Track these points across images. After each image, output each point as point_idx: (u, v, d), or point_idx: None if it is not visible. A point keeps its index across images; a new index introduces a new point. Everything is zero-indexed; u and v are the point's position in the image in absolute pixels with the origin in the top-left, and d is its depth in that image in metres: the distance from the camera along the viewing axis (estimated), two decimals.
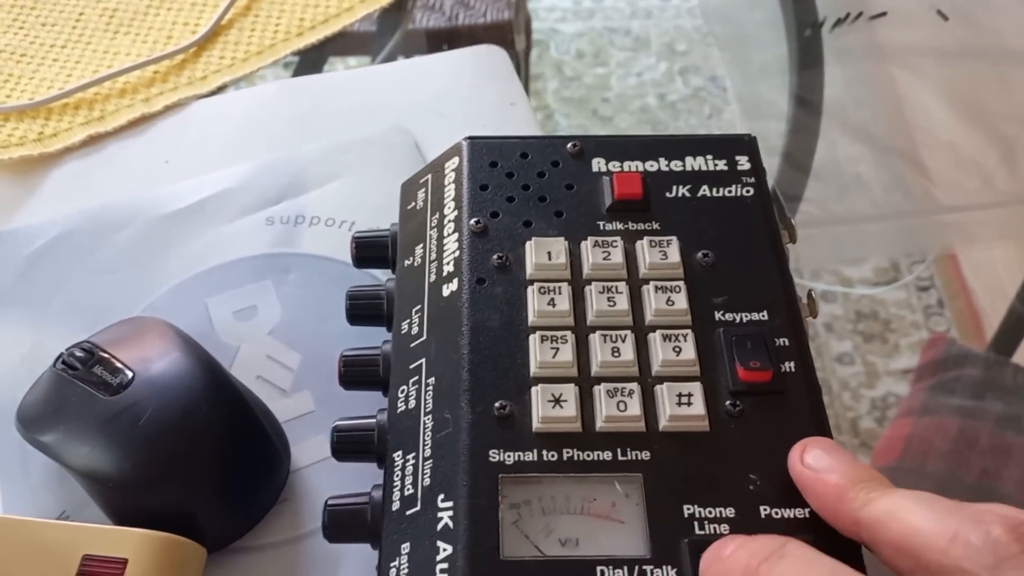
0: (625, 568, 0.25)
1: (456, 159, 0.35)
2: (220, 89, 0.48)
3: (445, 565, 0.25)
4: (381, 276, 0.39)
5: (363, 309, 0.34)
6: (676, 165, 0.34)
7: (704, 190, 0.33)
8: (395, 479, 0.29)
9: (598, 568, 0.25)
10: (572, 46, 1.62)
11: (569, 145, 0.35)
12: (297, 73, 0.58)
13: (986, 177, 0.52)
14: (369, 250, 0.36)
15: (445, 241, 0.33)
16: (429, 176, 0.36)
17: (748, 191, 0.33)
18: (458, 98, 0.47)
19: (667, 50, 1.58)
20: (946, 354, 0.70)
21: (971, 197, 0.51)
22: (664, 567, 0.25)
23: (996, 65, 0.53)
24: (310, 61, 0.53)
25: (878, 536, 0.23)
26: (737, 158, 0.34)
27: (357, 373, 0.33)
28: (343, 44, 0.53)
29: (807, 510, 0.26)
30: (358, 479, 0.31)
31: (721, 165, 0.34)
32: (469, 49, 0.49)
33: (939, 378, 0.69)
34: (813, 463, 0.25)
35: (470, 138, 0.35)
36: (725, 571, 0.24)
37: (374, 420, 0.31)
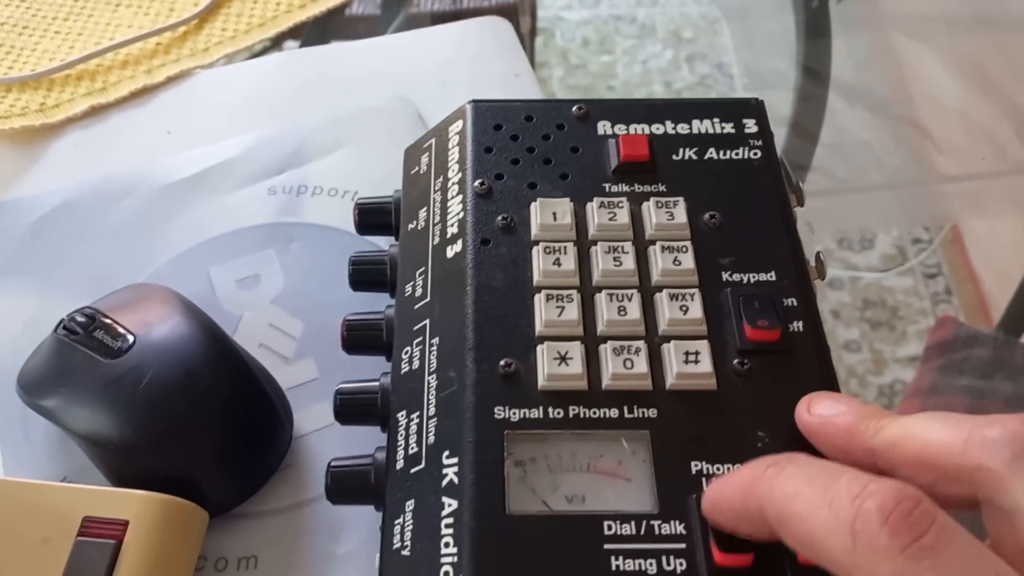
0: (633, 523, 0.25)
1: (460, 122, 0.35)
2: (222, 60, 0.48)
3: (450, 520, 0.25)
4: (383, 245, 0.39)
5: (366, 274, 0.34)
6: (683, 128, 0.34)
7: (711, 152, 0.33)
8: (399, 438, 0.28)
9: (605, 523, 0.25)
10: (577, 34, 1.62)
11: (574, 108, 0.34)
12: (304, 41, 0.58)
13: (995, 146, 0.51)
14: (372, 216, 0.36)
15: (449, 203, 0.32)
16: (433, 140, 0.35)
17: (755, 153, 0.33)
18: (462, 69, 0.47)
19: (673, 37, 1.57)
20: (955, 335, 0.70)
21: (980, 166, 0.50)
22: (672, 522, 0.25)
23: (1002, 34, 0.52)
24: (312, 44, 0.52)
25: (895, 459, 0.23)
26: (744, 121, 0.34)
27: (360, 337, 0.32)
28: (346, 27, 0.53)
29: None
30: (361, 445, 0.31)
31: (728, 128, 0.34)
32: (473, 20, 0.49)
33: (948, 359, 0.69)
34: (821, 411, 0.25)
35: (474, 101, 0.35)
36: (734, 481, 0.23)
37: (377, 383, 0.31)
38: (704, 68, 1.47)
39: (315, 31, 0.51)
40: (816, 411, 0.25)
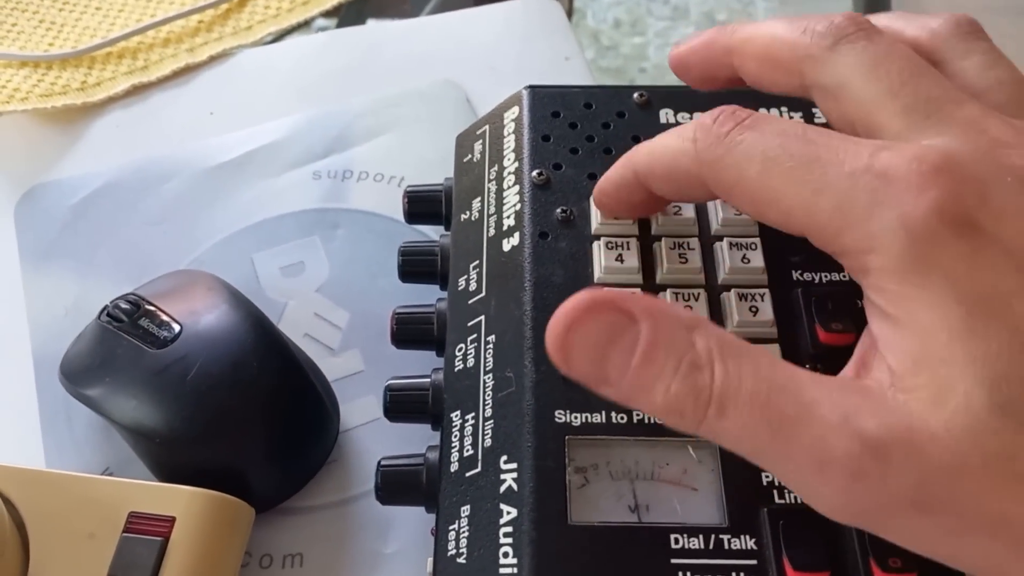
0: (701, 537, 0.24)
1: (516, 109, 0.33)
2: (266, 39, 0.46)
3: (509, 529, 0.24)
4: (431, 233, 0.38)
5: (416, 266, 0.33)
6: None
7: None
8: (453, 440, 0.27)
9: (671, 536, 0.24)
10: (609, 15, 1.59)
11: (636, 95, 0.33)
12: (343, 17, 0.56)
13: None
14: (422, 205, 0.35)
15: (505, 194, 0.31)
16: (487, 127, 0.34)
17: None
18: (510, 52, 0.45)
19: (706, 19, 1.54)
20: None
21: None
22: (742, 536, 0.24)
23: None
24: (349, 22, 0.51)
25: (746, 53, 0.25)
26: (814, 111, 0.32)
27: (411, 331, 0.31)
28: (383, 5, 0.51)
29: None
30: (409, 441, 0.30)
31: (797, 117, 0.32)
32: (520, 0, 0.47)
33: None
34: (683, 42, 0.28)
35: (531, 87, 0.34)
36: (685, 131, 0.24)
37: (429, 379, 0.30)
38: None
39: (352, 10, 0.49)
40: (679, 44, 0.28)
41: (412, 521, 0.31)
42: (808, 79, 0.24)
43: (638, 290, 0.28)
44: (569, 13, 1.15)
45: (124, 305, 0.32)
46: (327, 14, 0.49)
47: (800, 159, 0.21)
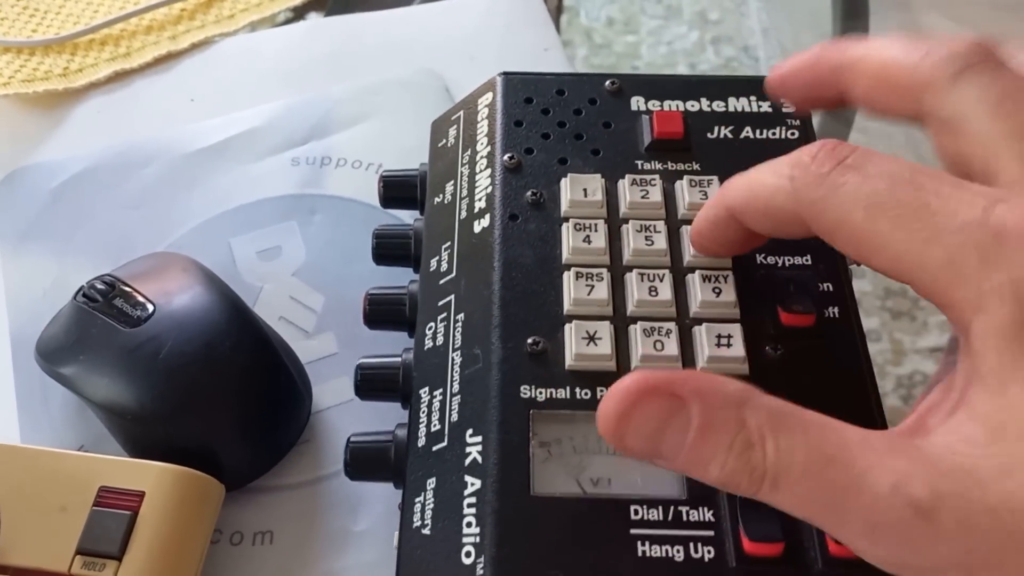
0: (660, 508, 0.24)
1: (490, 94, 0.34)
2: (247, 27, 0.47)
3: (473, 499, 0.24)
4: (407, 218, 0.38)
5: (390, 248, 0.34)
6: (718, 105, 0.33)
7: (747, 131, 0.32)
8: (421, 415, 0.28)
9: (631, 507, 0.24)
10: (603, 13, 1.60)
11: (607, 82, 0.33)
12: (332, 6, 0.57)
13: None
14: (397, 189, 0.35)
15: (477, 177, 0.32)
16: (461, 112, 0.35)
17: (793, 134, 0.32)
18: (490, 42, 0.46)
19: (699, 19, 1.55)
20: None
21: None
22: (700, 508, 0.24)
23: None
24: (337, 11, 0.51)
25: (858, 72, 0.24)
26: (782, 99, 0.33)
27: (383, 312, 0.32)
28: None
29: None
30: (381, 421, 0.31)
31: (765, 107, 0.33)
32: None
33: None
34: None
35: (505, 73, 0.34)
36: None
37: (399, 358, 0.30)
38: (730, 50, 1.45)
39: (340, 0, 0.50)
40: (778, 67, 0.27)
41: (382, 499, 0.31)
42: (925, 108, 0.23)
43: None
44: (558, 10, 1.16)
45: (99, 285, 0.33)
46: (315, 6, 0.49)
47: (909, 206, 0.20)
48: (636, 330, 0.27)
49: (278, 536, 0.31)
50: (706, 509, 0.24)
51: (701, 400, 0.20)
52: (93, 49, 0.45)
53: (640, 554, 0.23)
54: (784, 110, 0.32)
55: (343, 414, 0.34)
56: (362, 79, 0.44)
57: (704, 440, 0.20)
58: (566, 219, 0.30)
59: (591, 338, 0.27)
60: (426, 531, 0.25)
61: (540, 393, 0.26)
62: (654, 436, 0.20)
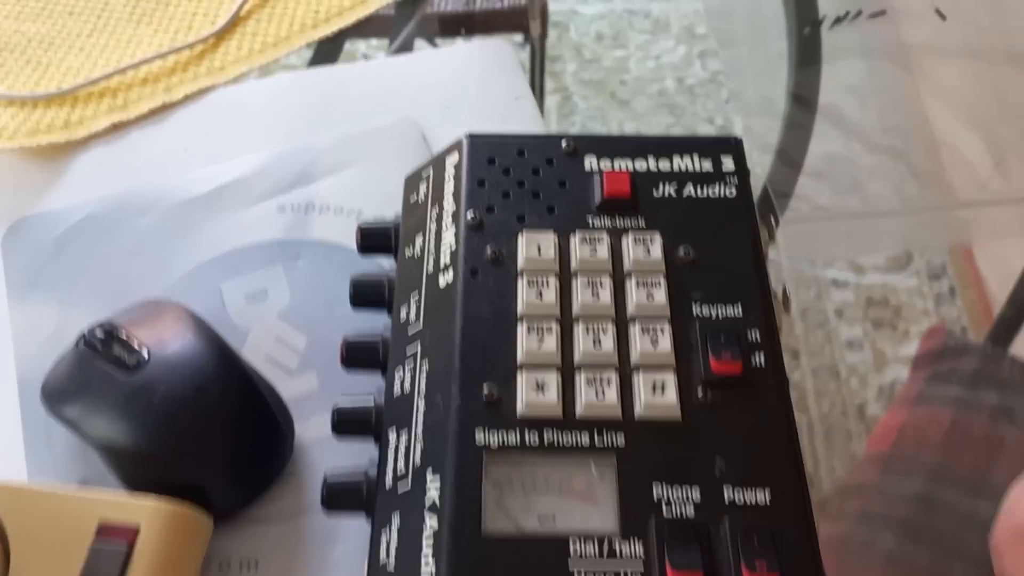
0: (595, 541, 0.27)
1: (456, 155, 0.37)
2: (238, 78, 0.50)
3: (431, 538, 0.27)
4: (387, 263, 0.41)
5: (366, 295, 0.37)
6: (664, 165, 0.36)
7: (689, 189, 0.35)
8: (388, 457, 0.31)
9: (570, 541, 0.27)
10: (592, 28, 1.63)
11: (563, 143, 0.36)
12: (315, 55, 0.60)
13: (983, 178, 0.53)
14: (373, 239, 0.38)
15: (443, 234, 0.35)
16: (431, 170, 0.38)
17: (731, 192, 0.35)
18: (465, 91, 0.49)
19: (686, 33, 1.58)
20: (944, 345, 0.71)
21: (973, 195, 0.52)
22: (631, 540, 0.27)
23: (997, 65, 0.54)
24: (327, 43, 0.54)
25: None
26: (722, 159, 0.36)
27: (358, 356, 0.35)
28: (360, 26, 0.54)
29: (767, 494, 0.28)
30: (358, 455, 0.34)
31: (707, 166, 0.36)
32: (476, 43, 0.51)
33: (936, 368, 0.70)
34: None
35: (471, 135, 0.37)
36: None
37: (372, 400, 0.33)
38: (716, 64, 1.48)
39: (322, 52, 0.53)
40: None
41: (359, 529, 0.34)
42: None
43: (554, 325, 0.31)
44: (543, 34, 1.18)
45: (99, 334, 0.35)
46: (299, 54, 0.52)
47: None
48: (581, 379, 0.30)
49: (263, 564, 0.34)
50: (637, 541, 0.27)
51: None
52: (92, 101, 0.48)
53: None
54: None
55: (324, 448, 0.37)
56: (344, 129, 0.47)
57: None
58: (521, 274, 0.33)
59: (540, 387, 0.30)
60: (390, 568, 0.28)
61: (493, 438, 0.29)
62: None
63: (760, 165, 0.50)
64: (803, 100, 0.50)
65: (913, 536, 0.57)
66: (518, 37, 1.04)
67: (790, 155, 0.50)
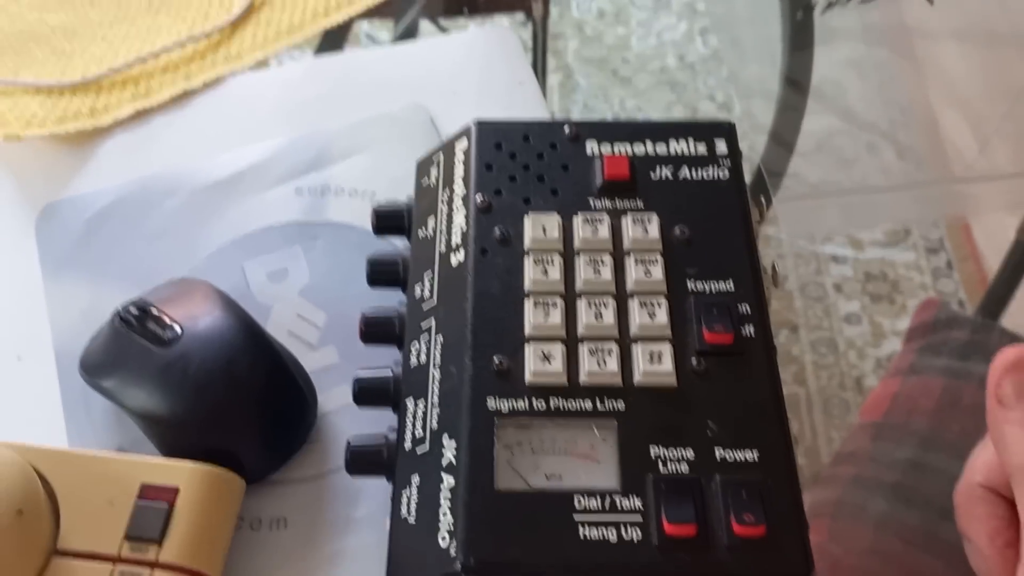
0: (598, 497, 0.30)
1: (465, 140, 0.39)
2: (253, 65, 0.52)
3: (448, 494, 0.30)
4: (399, 243, 0.44)
5: (382, 274, 0.39)
6: (661, 149, 0.38)
7: (684, 172, 0.37)
8: (407, 423, 0.33)
9: (575, 497, 0.30)
10: (593, 5, 1.64)
11: (566, 129, 0.39)
12: (323, 40, 0.62)
13: (972, 155, 0.55)
14: (387, 220, 0.40)
15: (454, 216, 0.37)
16: (441, 155, 0.40)
17: (724, 174, 0.37)
18: (471, 77, 0.51)
19: (688, 10, 1.59)
20: (936, 317, 0.74)
21: (963, 172, 0.54)
22: (631, 497, 0.30)
23: (985, 46, 0.56)
24: (335, 28, 0.56)
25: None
26: (716, 142, 0.38)
27: (376, 331, 0.37)
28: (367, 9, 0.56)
29: (756, 453, 0.30)
30: (377, 422, 0.36)
31: (701, 149, 0.38)
32: (481, 30, 0.53)
33: (928, 340, 0.73)
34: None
35: (479, 122, 0.39)
36: None
37: (390, 372, 0.36)
38: (717, 41, 1.49)
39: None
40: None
41: (379, 491, 0.37)
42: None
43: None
44: (545, 14, 1.20)
45: (134, 310, 0.38)
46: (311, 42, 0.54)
47: None
48: (584, 349, 0.33)
49: (291, 522, 0.37)
50: (636, 498, 0.30)
51: None
52: (116, 89, 0.50)
53: (582, 536, 0.29)
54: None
55: (345, 417, 0.40)
56: (355, 114, 0.49)
57: None
58: (527, 253, 0.35)
59: (546, 357, 0.32)
60: (411, 520, 0.31)
61: (504, 404, 0.32)
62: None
63: (756, 145, 0.53)
64: (796, 83, 0.53)
65: (904, 499, 0.60)
66: (520, 16, 1.06)
67: (783, 136, 0.52)
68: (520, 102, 0.50)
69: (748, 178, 0.39)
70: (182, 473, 0.34)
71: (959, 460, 0.32)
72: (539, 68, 1.19)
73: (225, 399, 0.36)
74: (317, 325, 0.42)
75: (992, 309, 0.77)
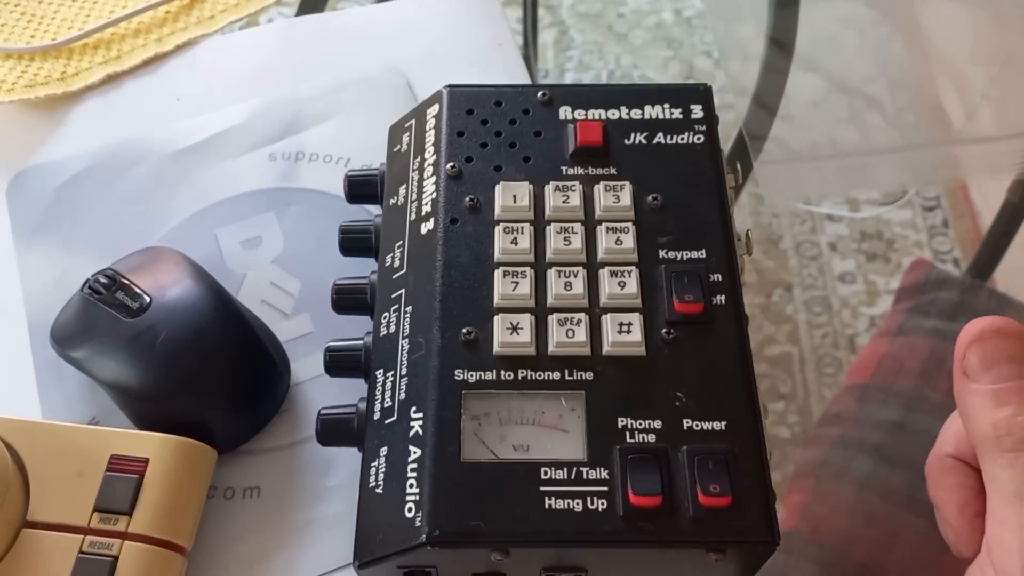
0: (565, 469, 0.30)
1: (437, 106, 0.38)
2: (227, 28, 0.51)
3: (415, 465, 0.30)
4: (375, 210, 0.43)
5: (354, 242, 0.39)
6: (635, 113, 0.37)
7: (659, 137, 0.37)
8: (377, 393, 0.33)
9: (542, 469, 0.30)
10: None
11: (540, 94, 0.38)
12: (303, 3, 0.61)
13: (960, 119, 0.54)
14: (360, 188, 0.40)
15: (424, 183, 0.37)
16: (413, 121, 0.39)
17: (699, 139, 0.37)
18: (449, 39, 0.50)
19: None
20: (926, 278, 0.73)
21: (951, 134, 0.53)
22: (597, 468, 0.30)
23: (974, 7, 0.55)
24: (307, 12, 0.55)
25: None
26: (692, 107, 0.37)
27: (347, 300, 0.37)
28: None
29: (723, 423, 0.30)
30: (349, 392, 0.36)
31: (676, 114, 0.37)
32: None
33: (917, 301, 0.73)
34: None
35: (450, 86, 0.39)
36: None
37: (361, 342, 0.35)
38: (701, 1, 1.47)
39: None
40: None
41: (351, 459, 0.37)
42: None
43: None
44: None
45: (103, 279, 0.38)
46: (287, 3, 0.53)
47: None
48: (552, 320, 0.32)
49: (264, 491, 0.37)
50: (602, 469, 0.30)
51: None
52: (87, 53, 0.49)
53: (547, 507, 0.29)
54: None
55: (318, 386, 0.39)
56: (331, 78, 0.48)
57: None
58: (498, 222, 0.35)
59: (514, 328, 0.32)
60: (379, 490, 0.31)
61: (471, 375, 0.31)
62: (992, 360, 0.26)
63: (740, 109, 0.52)
64: (781, 44, 0.51)
65: (887, 460, 0.60)
66: None
67: (765, 99, 0.51)
68: (499, 64, 0.49)
69: (732, 142, 0.38)
70: (152, 444, 0.34)
71: (943, 421, 0.32)
72: (529, 24, 1.17)
73: (194, 369, 0.35)
74: (291, 293, 0.42)
75: (982, 270, 0.76)
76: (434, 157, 0.37)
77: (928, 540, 0.31)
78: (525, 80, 0.49)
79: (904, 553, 0.53)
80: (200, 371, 0.36)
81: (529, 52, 1.08)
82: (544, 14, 1.45)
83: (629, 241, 0.34)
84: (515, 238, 0.34)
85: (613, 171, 0.36)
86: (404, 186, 0.38)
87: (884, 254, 1.25)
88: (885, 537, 0.55)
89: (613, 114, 0.37)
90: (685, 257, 0.34)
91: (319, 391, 0.39)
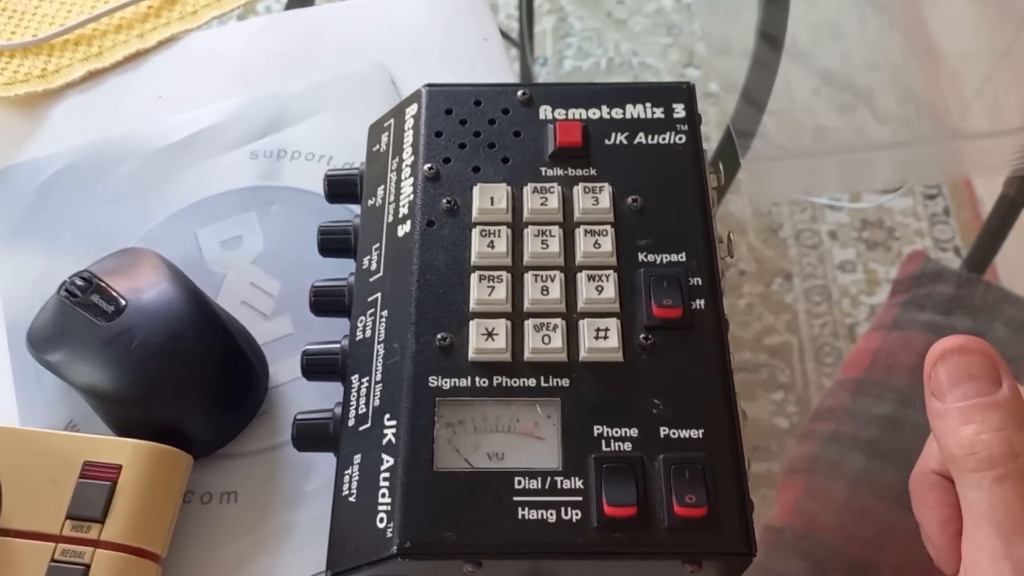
0: (539, 478, 0.29)
1: (415, 106, 0.38)
2: (209, 23, 0.50)
3: (387, 474, 0.30)
4: (357, 210, 0.43)
5: (333, 243, 0.38)
6: (616, 113, 0.37)
7: (640, 137, 0.36)
8: (352, 399, 0.33)
9: (515, 478, 0.29)
10: None
11: (519, 93, 0.37)
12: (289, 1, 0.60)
13: (955, 114, 0.53)
14: (340, 187, 0.39)
15: (402, 185, 0.36)
16: (392, 120, 0.39)
17: (681, 139, 0.36)
18: (433, 34, 0.49)
19: None
20: (921, 271, 0.73)
21: (945, 130, 0.53)
22: (572, 478, 0.29)
23: (963, 1, 0.54)
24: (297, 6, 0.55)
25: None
26: (674, 106, 0.37)
27: (325, 303, 0.36)
28: None
29: (700, 432, 0.30)
30: (329, 395, 0.36)
31: (658, 113, 0.37)
32: None
33: (913, 294, 0.72)
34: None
35: (429, 86, 0.38)
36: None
37: (339, 345, 0.35)
38: None
39: None
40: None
41: (329, 464, 0.36)
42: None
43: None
44: None
45: (79, 282, 0.37)
46: None
47: None
48: (529, 325, 0.32)
49: (242, 496, 0.37)
50: (577, 479, 0.29)
51: (1012, 385, 0.26)
52: (68, 50, 0.49)
53: (520, 517, 0.28)
54: None
55: (298, 388, 0.39)
56: (315, 74, 0.48)
57: (992, 408, 0.25)
58: (475, 225, 0.34)
59: (489, 334, 0.32)
60: (352, 499, 0.30)
61: (446, 382, 0.31)
62: (956, 379, 0.26)
63: (728, 106, 0.51)
64: (770, 38, 0.51)
65: (881, 456, 0.59)
66: None
67: (754, 95, 0.50)
68: (484, 60, 0.48)
69: (719, 139, 0.38)
70: (125, 450, 0.34)
71: None
72: (524, 10, 1.16)
73: (168, 373, 0.35)
74: (271, 294, 0.41)
75: (978, 262, 0.76)
76: (412, 158, 0.36)
77: (920, 537, 0.31)
78: (510, 76, 0.48)
79: (897, 550, 0.53)
80: (175, 375, 0.35)
81: (524, 40, 1.07)
82: (543, 1, 1.44)
83: (608, 244, 0.33)
84: (492, 241, 0.34)
85: (593, 172, 0.35)
86: (382, 187, 0.37)
87: (885, 242, 1.24)
88: (878, 534, 0.55)
89: (594, 113, 0.37)
90: (665, 260, 0.33)
91: (299, 394, 0.39)
